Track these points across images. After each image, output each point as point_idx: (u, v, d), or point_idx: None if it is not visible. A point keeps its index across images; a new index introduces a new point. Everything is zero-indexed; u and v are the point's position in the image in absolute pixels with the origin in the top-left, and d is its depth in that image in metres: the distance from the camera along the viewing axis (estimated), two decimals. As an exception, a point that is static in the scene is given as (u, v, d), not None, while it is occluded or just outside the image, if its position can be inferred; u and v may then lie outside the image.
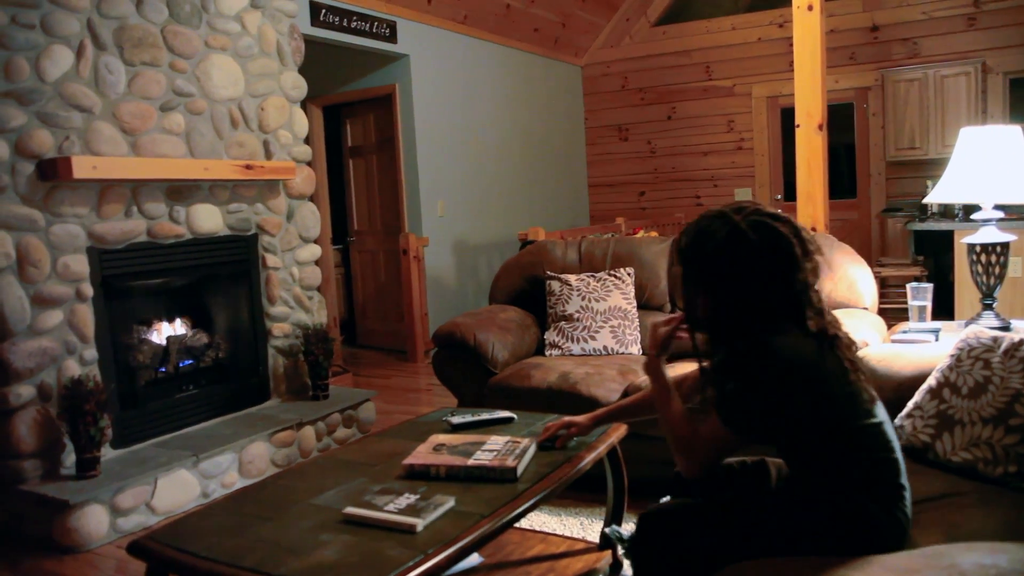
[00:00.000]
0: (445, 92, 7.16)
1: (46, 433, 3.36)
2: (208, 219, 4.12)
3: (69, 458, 3.41)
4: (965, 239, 3.13)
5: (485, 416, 2.74)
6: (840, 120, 7.76)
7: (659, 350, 2.03)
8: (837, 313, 3.40)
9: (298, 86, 4.69)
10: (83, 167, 3.37)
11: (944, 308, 5.08)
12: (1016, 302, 4.81)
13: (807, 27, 4.51)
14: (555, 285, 4.09)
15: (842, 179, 8.08)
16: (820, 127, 4.54)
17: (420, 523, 1.83)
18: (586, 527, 3.13)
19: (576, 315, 3.97)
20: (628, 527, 2.85)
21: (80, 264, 3.52)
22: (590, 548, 2.69)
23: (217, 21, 4.16)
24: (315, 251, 4.79)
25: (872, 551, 1.75)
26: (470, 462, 2.18)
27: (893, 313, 5.69)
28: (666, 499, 2.20)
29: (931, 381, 2.35)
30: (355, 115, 7.49)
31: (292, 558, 1.71)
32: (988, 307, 3.11)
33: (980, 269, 3.10)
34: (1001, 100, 7.27)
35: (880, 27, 7.75)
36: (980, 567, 1.59)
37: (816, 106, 4.55)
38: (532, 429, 2.62)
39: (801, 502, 1.82)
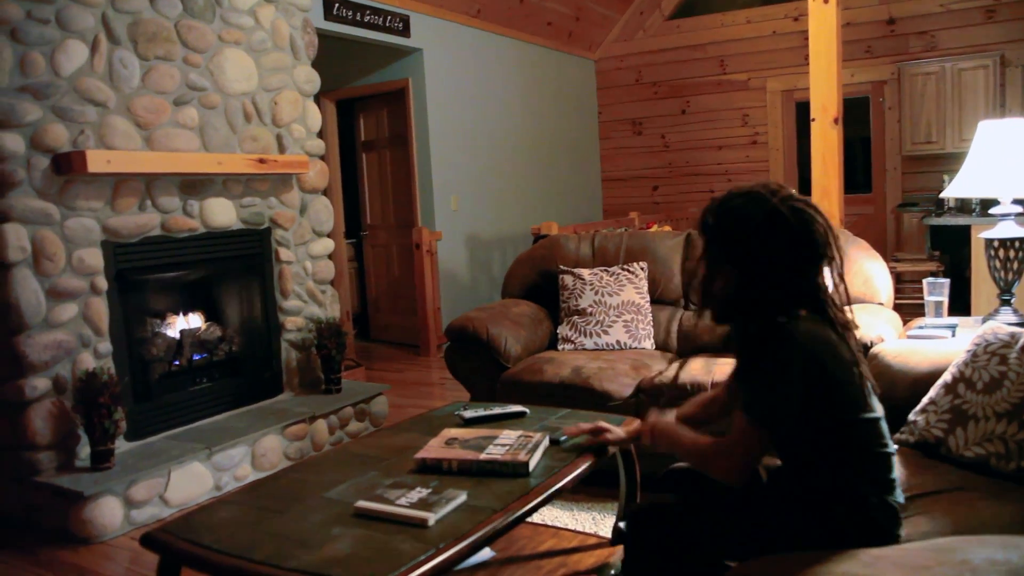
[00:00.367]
0: (458, 86, 7.15)
1: (61, 425, 3.39)
2: (222, 213, 4.13)
3: (84, 450, 3.44)
4: (983, 234, 3.10)
5: (497, 410, 2.74)
6: (856, 114, 7.70)
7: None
8: (852, 309, 3.41)
9: (311, 80, 4.69)
10: (98, 161, 3.39)
11: (960, 304, 5.04)
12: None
13: (823, 20, 4.47)
14: (568, 279, 4.08)
15: (857, 173, 8.03)
16: (836, 121, 4.51)
17: (432, 517, 1.83)
18: (598, 522, 3.13)
19: (589, 309, 3.96)
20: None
21: (95, 258, 3.54)
22: (602, 543, 2.69)
23: (230, 15, 4.17)
24: (328, 245, 4.79)
25: (871, 540, 1.74)
26: (482, 456, 2.18)
27: (909, 309, 5.65)
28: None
29: (946, 376, 2.34)
30: (368, 109, 7.49)
31: (303, 551, 1.71)
32: (1006, 303, 3.08)
33: (998, 264, 3.06)
34: (1020, 93, 7.19)
35: (897, 20, 7.68)
36: (991, 562, 1.57)
37: (832, 100, 4.52)
38: (545, 424, 2.62)
39: (798, 493, 1.80)
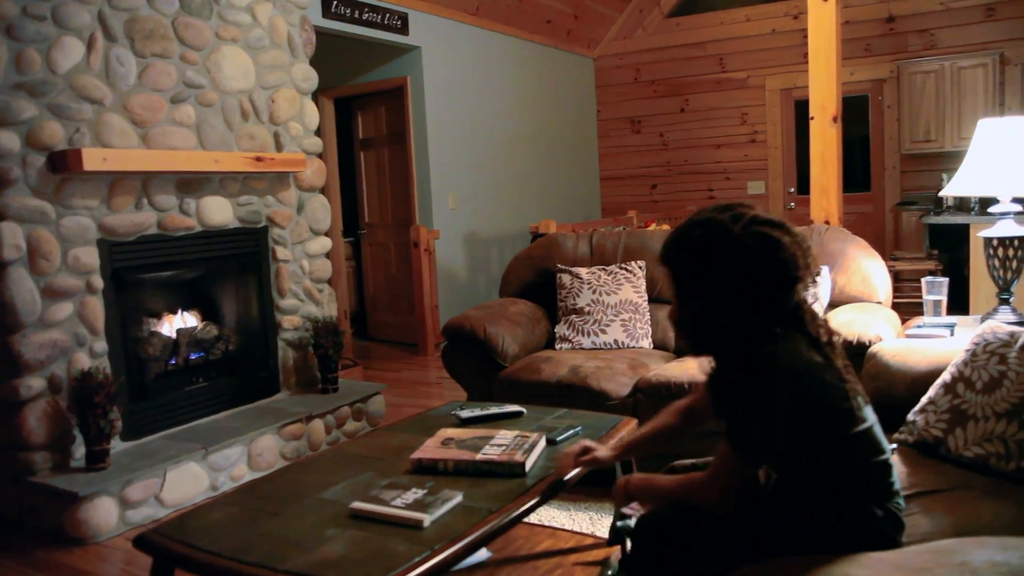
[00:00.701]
0: (457, 84, 7.13)
1: (56, 425, 3.37)
2: (218, 211, 4.11)
3: (79, 450, 3.42)
4: (982, 233, 3.08)
5: (494, 410, 2.73)
6: (855, 112, 7.69)
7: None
8: (851, 307, 3.40)
9: (309, 78, 4.67)
10: (93, 159, 3.37)
11: (959, 303, 5.03)
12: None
13: (822, 18, 4.45)
14: (566, 278, 4.07)
15: (856, 172, 8.01)
16: (835, 119, 4.49)
17: (427, 518, 1.81)
18: (595, 522, 3.11)
19: (587, 308, 3.95)
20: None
21: (90, 256, 3.52)
22: (599, 543, 2.68)
23: (228, 12, 4.15)
24: (325, 244, 4.78)
25: (875, 547, 1.72)
26: (478, 457, 2.17)
27: (907, 307, 5.63)
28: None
29: (945, 376, 2.32)
30: (366, 107, 7.47)
31: (298, 553, 1.70)
32: (1005, 302, 3.07)
33: (997, 263, 3.05)
34: (1019, 92, 7.18)
35: (896, 18, 7.67)
36: (992, 564, 1.56)
37: (831, 98, 4.50)
38: (542, 423, 2.61)
39: (798, 506, 1.78)
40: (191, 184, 3.97)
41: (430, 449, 2.25)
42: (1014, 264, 3.04)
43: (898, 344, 2.68)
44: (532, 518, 2.87)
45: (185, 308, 4.20)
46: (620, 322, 3.88)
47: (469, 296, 7.17)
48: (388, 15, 6.30)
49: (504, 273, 4.44)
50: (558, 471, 2.11)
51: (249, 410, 4.23)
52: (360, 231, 7.75)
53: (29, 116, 3.30)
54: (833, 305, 3.51)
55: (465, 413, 2.69)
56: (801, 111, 8.03)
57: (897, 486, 1.82)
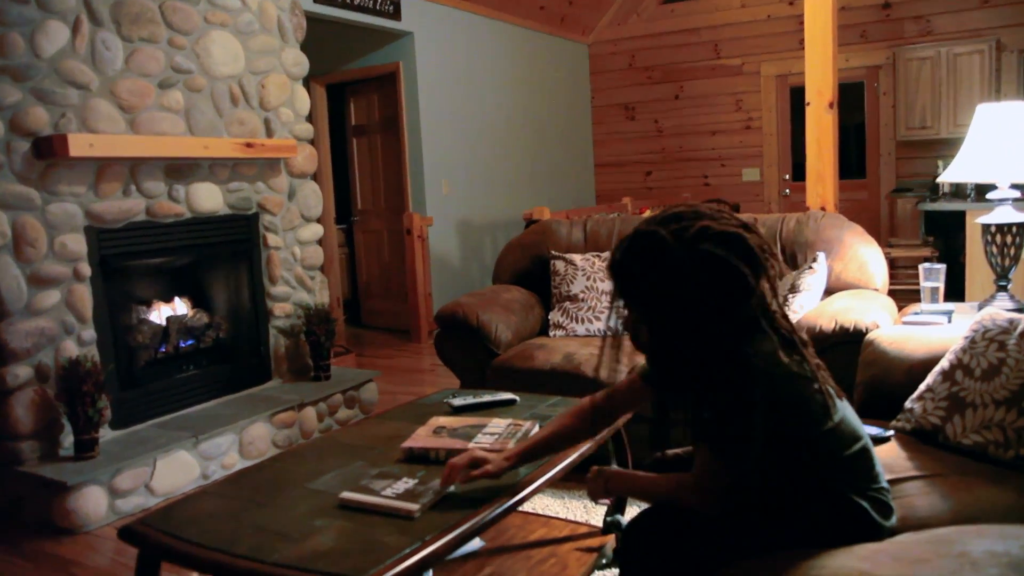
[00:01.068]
0: (450, 70, 7.07)
1: (44, 414, 3.33)
2: (208, 198, 4.06)
3: (67, 439, 3.38)
4: (980, 219, 3.05)
5: (487, 398, 2.70)
6: (850, 99, 7.65)
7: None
8: (847, 294, 3.37)
9: (299, 63, 4.61)
10: (80, 145, 3.32)
11: (955, 289, 5.01)
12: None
13: (819, 3, 4.41)
14: (560, 265, 4.03)
15: (851, 159, 7.98)
16: (831, 105, 4.46)
17: (418, 508, 1.78)
18: (589, 510, 3.09)
19: (581, 295, 3.91)
20: (631, 513, 2.81)
21: (78, 243, 3.47)
22: (593, 532, 2.65)
23: (216, -4, 4.09)
24: (317, 230, 4.73)
25: (867, 534, 1.70)
26: (470, 445, 2.13)
27: (903, 295, 5.61)
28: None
29: (944, 363, 2.30)
30: (358, 94, 7.41)
31: (286, 545, 1.66)
32: (1003, 288, 3.04)
33: (995, 250, 3.02)
34: (1016, 79, 7.14)
35: (892, 4, 7.62)
36: (991, 555, 1.53)
37: (827, 84, 4.46)
38: (535, 411, 2.58)
39: (781, 504, 1.74)
40: (180, 170, 3.91)
41: (421, 438, 2.21)
42: (1012, 251, 3.01)
43: (895, 331, 2.65)
44: (526, 506, 2.85)
45: (175, 295, 4.16)
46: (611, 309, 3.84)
47: (462, 283, 7.13)
48: (380, 0, 6.23)
49: (497, 260, 4.41)
50: (444, 481, 1.88)
51: (240, 398, 4.20)
52: (353, 218, 7.70)
53: (13, 101, 3.24)
54: (829, 292, 3.48)
55: (457, 401, 2.66)
56: (796, 98, 8.00)
57: (879, 470, 1.78)
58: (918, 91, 7.32)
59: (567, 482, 3.23)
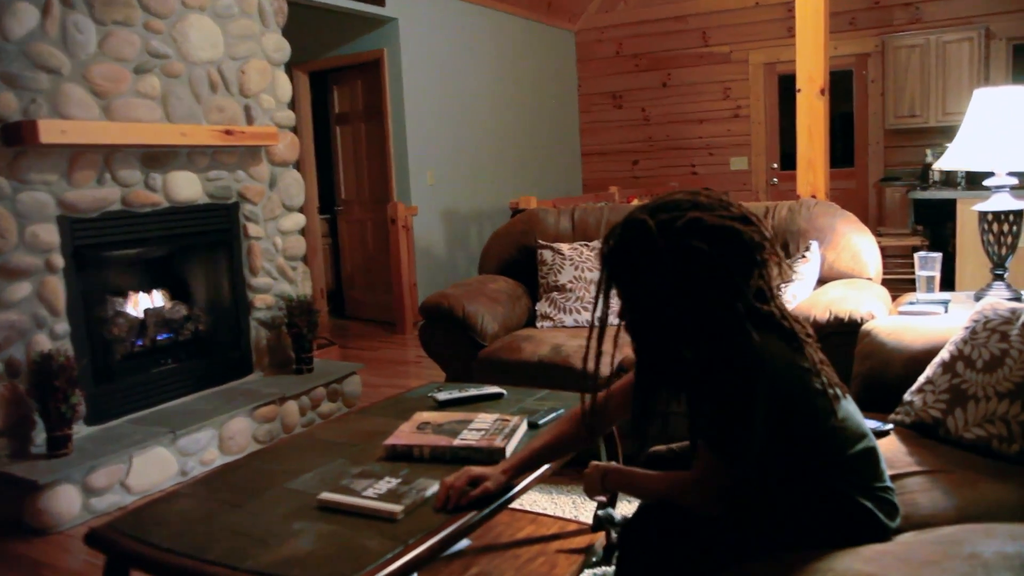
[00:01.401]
0: (435, 58, 6.95)
1: (15, 410, 3.22)
2: (186, 187, 3.95)
3: (39, 436, 3.27)
4: (977, 207, 2.99)
5: (473, 392, 2.61)
6: (838, 88, 7.56)
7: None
8: (841, 283, 3.31)
9: (280, 48, 4.50)
10: (51, 131, 3.20)
11: (944, 279, 4.96)
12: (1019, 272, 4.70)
13: (810, -13, 4.33)
14: (547, 254, 3.95)
15: (839, 148, 7.92)
16: (822, 92, 4.39)
17: (401, 510, 1.70)
18: (579, 506, 3.02)
19: (569, 285, 3.83)
20: (622, 508, 2.74)
21: (50, 234, 3.36)
22: (583, 529, 2.57)
23: (193, -22, 3.97)
24: (299, 220, 4.63)
25: (871, 534, 1.63)
26: (456, 442, 2.05)
27: (893, 284, 5.55)
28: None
29: (944, 355, 2.23)
30: (342, 81, 7.29)
31: (261, 550, 1.58)
32: (999, 277, 2.98)
33: (991, 239, 2.96)
34: (1004, 67, 7.10)
35: (881, -9, 7.56)
36: (1003, 556, 1.46)
37: (818, 70, 4.39)
38: (523, 406, 2.50)
39: (784, 505, 1.66)
40: (157, 158, 3.80)
41: (405, 434, 2.13)
42: (1009, 240, 2.95)
43: (892, 321, 2.58)
44: (513, 503, 2.77)
45: (152, 287, 4.05)
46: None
47: (448, 273, 7.04)
48: (363, -15, 6.11)
49: (483, 250, 4.32)
50: (440, 503, 1.75)
51: (220, 392, 4.09)
52: (336, 208, 7.59)
53: (-20, 85, 3.12)
54: (822, 281, 3.41)
55: (442, 395, 2.58)
56: (785, 86, 7.93)
57: (884, 469, 1.72)
58: (907, 79, 7.27)
59: (556, 477, 3.15)
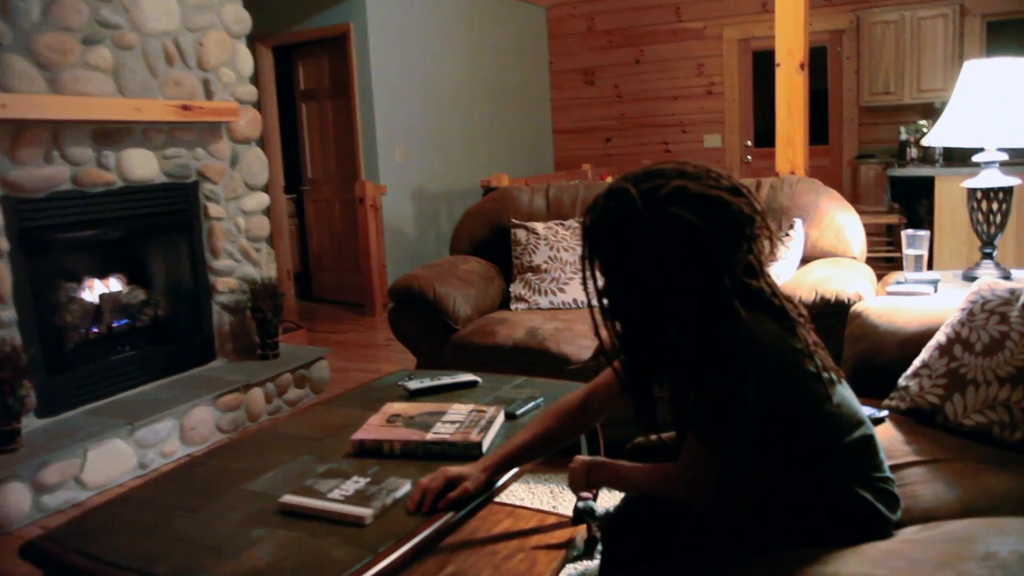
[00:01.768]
0: (403, 32, 6.74)
1: (-41, 403, 3.03)
2: (142, 165, 3.75)
3: (-14, 430, 3.09)
4: (966, 183, 2.89)
5: (446, 380, 2.48)
6: (813, 65, 7.41)
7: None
8: (825, 263, 3.20)
9: (241, 20, 4.29)
10: (-9, 105, 3.00)
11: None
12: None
13: (789, -43, 4.21)
14: (521, 234, 3.81)
15: (813, 125, 7.83)
16: (802, 66, 4.29)
17: (370, 514, 1.56)
18: (556, 495, 2.90)
19: (544, 266, 3.70)
20: (604, 499, 2.63)
21: (-7, 215, 3.16)
22: (562, 522, 2.45)
23: (146, -56, 3.75)
24: (262, 200, 4.44)
25: (869, 532, 1.53)
26: (428, 437, 1.92)
27: (870, 263, 5.49)
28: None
29: (940, 337, 2.13)
30: (307, 56, 7.06)
31: (216, 561, 1.43)
32: (988, 256, 2.89)
33: (980, 217, 2.86)
34: (978, 43, 7.04)
35: (856, -35, 7.45)
36: (1021, 557, 1.36)
37: (797, 44, 4.28)
38: (499, 394, 2.37)
39: (778, 497, 1.56)
40: (110, 135, 3.60)
41: (373, 428, 1.99)
42: (998, 219, 2.85)
43: (884, 303, 2.48)
44: (489, 496, 2.64)
45: (108, 271, 3.86)
46: (579, 279, 3.62)
47: (418, 254, 6.88)
48: (328, -45, 5.89)
49: (455, 229, 4.17)
50: (413, 507, 1.62)
51: (182, 380, 3.92)
52: (303, 187, 7.38)
53: (-86, 55, 2.91)
54: (805, 261, 3.31)
55: (413, 384, 2.44)
56: (759, 62, 7.82)
57: (883, 459, 1.61)
58: (882, 56, 7.20)
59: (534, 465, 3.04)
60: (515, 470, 1.79)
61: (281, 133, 6.98)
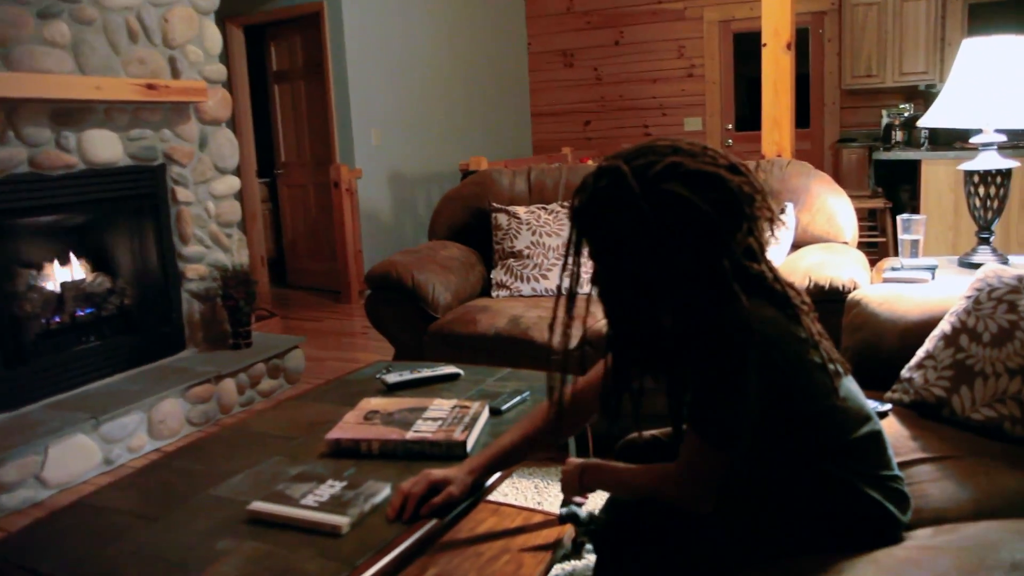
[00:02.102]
0: (378, 11, 6.56)
1: (-91, 398, 2.88)
2: (105, 147, 3.58)
3: (-61, 426, 2.94)
4: (963, 166, 2.80)
5: (426, 373, 2.35)
6: (794, 47, 7.40)
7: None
8: (817, 248, 3.11)
9: (208, -5, 4.12)
10: (-60, 82, 2.82)
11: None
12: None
13: (776, -66, 4.10)
14: (502, 218, 3.68)
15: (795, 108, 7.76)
16: (788, 46, 4.19)
17: (346, 523, 1.44)
18: (542, 491, 2.80)
19: (526, 251, 3.58)
20: (590, 502, 2.52)
21: (-56, 198, 2.99)
22: (549, 521, 2.34)
23: (106, -87, 3.57)
24: (233, 183, 4.27)
25: (880, 534, 1.44)
26: (409, 435, 1.79)
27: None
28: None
29: (945, 326, 2.03)
30: (280, 36, 6.87)
31: (177, 577, 1.31)
32: (984, 241, 2.81)
33: (978, 202, 2.77)
34: (960, 26, 6.97)
35: (838, -54, 7.36)
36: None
37: (784, 23, 4.18)
38: (482, 388, 2.25)
39: (781, 498, 1.46)
40: (70, 115, 3.42)
41: (350, 426, 1.86)
42: (995, 204, 2.76)
43: (884, 290, 2.38)
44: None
45: (71, 258, 3.69)
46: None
47: (395, 240, 6.73)
48: (300, -69, 5.70)
49: (433, 214, 4.03)
50: (394, 514, 1.50)
51: (150, 371, 3.77)
52: (276, 171, 7.21)
53: None
54: (797, 246, 3.22)
55: (392, 377, 2.31)
56: (740, 44, 7.72)
57: (891, 456, 1.52)
58: (864, 38, 7.11)
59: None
60: (503, 472, 1.68)
61: (253, 116, 6.78)
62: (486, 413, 1.97)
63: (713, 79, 8.09)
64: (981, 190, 2.77)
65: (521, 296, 3.53)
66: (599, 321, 3.06)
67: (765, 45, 4.21)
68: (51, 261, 3.60)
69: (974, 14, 6.98)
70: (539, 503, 2.69)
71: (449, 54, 7.50)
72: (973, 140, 2.78)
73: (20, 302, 3.37)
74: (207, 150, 4.11)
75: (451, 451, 1.76)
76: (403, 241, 6.76)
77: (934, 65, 6.95)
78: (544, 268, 3.54)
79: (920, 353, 2.05)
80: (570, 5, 8.55)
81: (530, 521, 2.35)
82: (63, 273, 3.64)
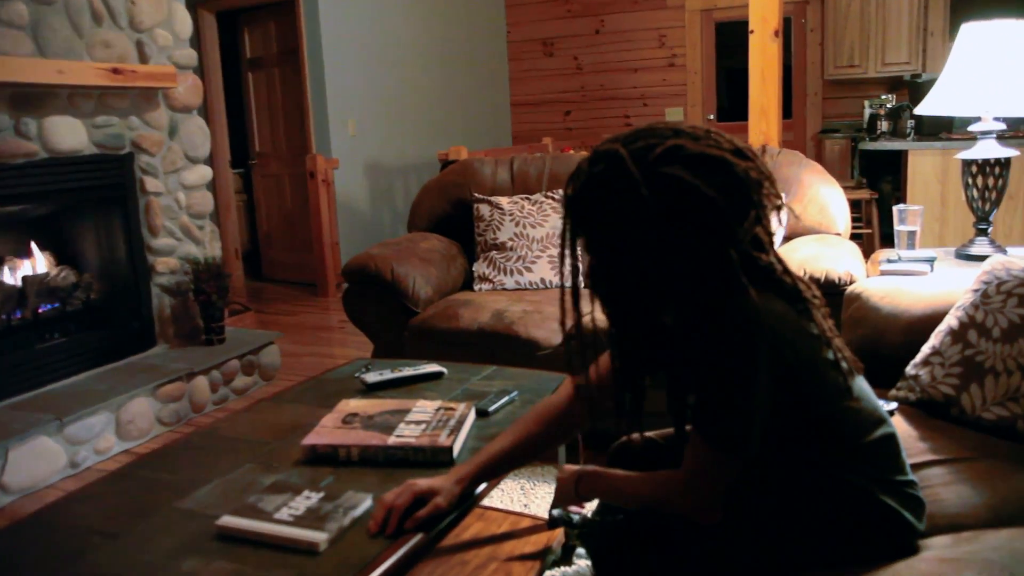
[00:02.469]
0: (354, -3, 6.41)
1: None
2: (68, 134, 3.42)
3: None
4: (961, 155, 2.72)
5: (408, 371, 2.23)
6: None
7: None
8: (810, 240, 3.02)
9: (177, -23, 3.96)
10: None
11: (888, 234, 4.77)
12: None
13: (764, -82, 4.00)
14: (484, 209, 3.57)
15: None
16: (776, 33, 4.08)
17: (324, 539, 1.33)
18: (528, 493, 2.69)
19: (509, 243, 3.47)
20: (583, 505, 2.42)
21: None
22: (537, 525, 2.24)
23: None
24: (204, 173, 4.12)
25: (898, 546, 1.36)
26: (391, 440, 1.68)
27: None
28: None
29: (951, 321, 1.94)
30: (254, 22, 6.70)
31: (137, 604, 1.19)
32: (982, 232, 2.73)
33: (976, 193, 2.70)
34: (942, 16, 6.92)
35: (820, -66, 7.29)
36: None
37: (772, 10, 4.07)
38: (468, 387, 2.14)
39: (791, 506, 1.36)
40: (29, 100, 3.26)
41: (327, 431, 1.74)
42: (993, 195, 2.69)
43: (884, 283, 2.29)
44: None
45: (33, 251, 3.53)
46: (547, 258, 3.42)
47: (373, 231, 6.59)
48: (273, -87, 5.54)
49: (413, 204, 3.90)
50: (377, 527, 1.39)
51: (118, 369, 3.62)
52: (251, 161, 7.04)
53: None
54: (788, 238, 3.13)
55: (372, 377, 2.19)
56: (722, 33, 7.64)
57: (905, 460, 1.43)
58: (846, 28, 7.06)
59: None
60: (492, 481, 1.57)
61: (227, 104, 6.61)
62: (472, 415, 1.86)
63: (695, 69, 8.00)
64: (979, 180, 2.69)
65: (504, 289, 3.42)
66: (586, 314, 2.95)
67: (752, 32, 4.11)
68: (11, 254, 3.44)
69: (956, 4, 6.93)
70: (526, 505, 2.58)
71: (427, 42, 7.35)
72: (971, 128, 2.70)
73: (-21, 297, 3.22)
74: (177, 138, 3.96)
75: (436, 457, 1.64)
76: (381, 233, 6.63)
77: (916, 55, 6.91)
78: (528, 260, 3.43)
79: (926, 349, 1.97)
80: (550, -7, 8.43)
81: (518, 526, 2.25)
82: (25, 267, 3.49)
